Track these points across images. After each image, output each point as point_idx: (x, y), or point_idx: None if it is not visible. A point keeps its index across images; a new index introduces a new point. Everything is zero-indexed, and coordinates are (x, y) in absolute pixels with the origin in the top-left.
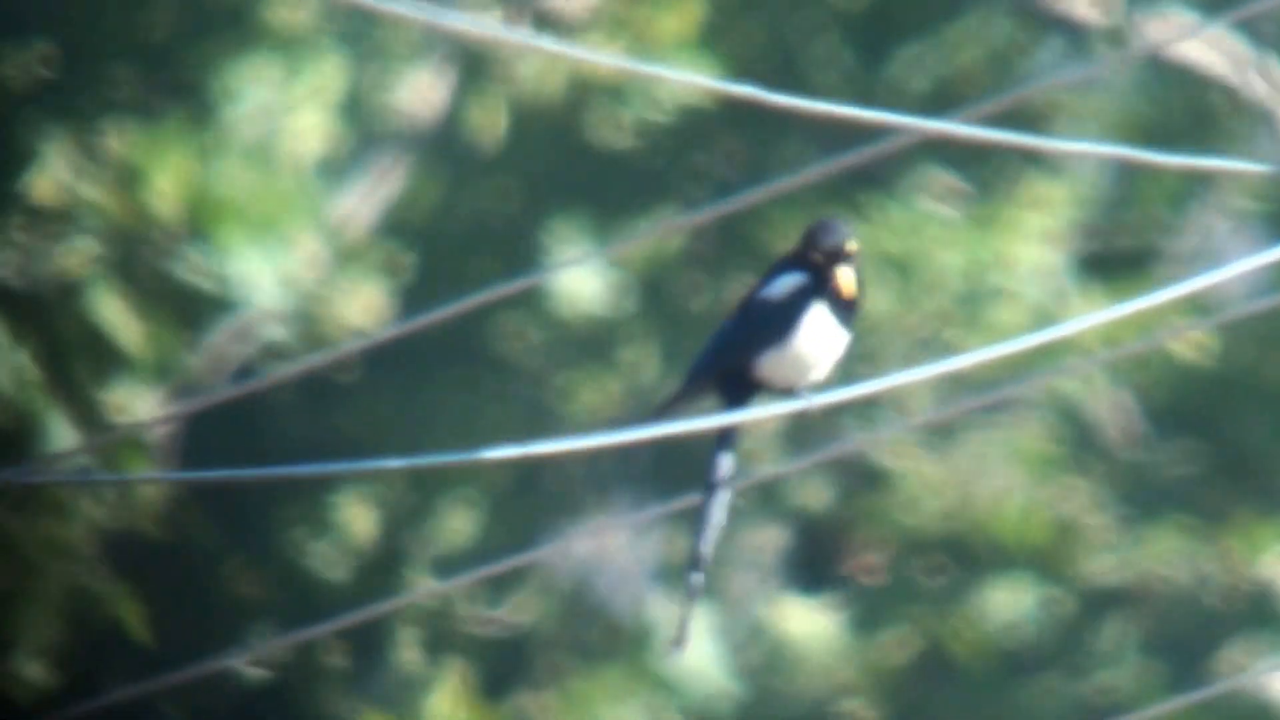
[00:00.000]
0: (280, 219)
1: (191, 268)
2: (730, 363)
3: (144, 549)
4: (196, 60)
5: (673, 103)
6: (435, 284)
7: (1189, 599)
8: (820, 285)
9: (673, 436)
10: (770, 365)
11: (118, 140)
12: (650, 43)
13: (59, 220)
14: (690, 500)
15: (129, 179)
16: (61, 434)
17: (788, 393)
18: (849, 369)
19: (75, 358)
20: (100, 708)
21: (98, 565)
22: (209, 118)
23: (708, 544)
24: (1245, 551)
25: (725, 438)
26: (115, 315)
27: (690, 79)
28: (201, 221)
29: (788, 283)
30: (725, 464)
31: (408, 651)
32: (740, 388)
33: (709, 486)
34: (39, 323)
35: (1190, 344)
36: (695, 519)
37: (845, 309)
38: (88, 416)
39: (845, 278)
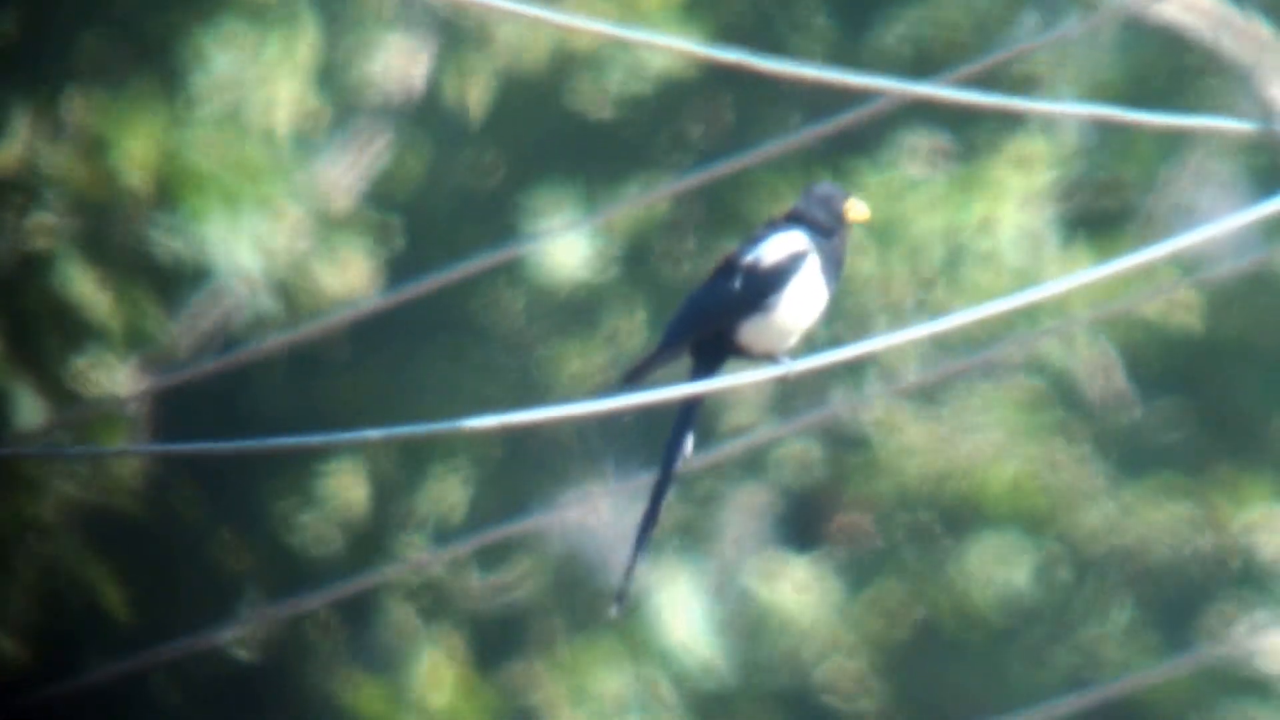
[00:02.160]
0: (252, 188)
1: (162, 238)
2: (713, 327)
3: (125, 525)
4: (165, 26)
5: (655, 71)
6: (420, 255)
7: (1178, 560)
8: (823, 247)
9: (653, 403)
10: (754, 331)
11: (84, 109)
12: (631, 12)
13: (24, 191)
14: (679, 468)
15: (95, 148)
16: (29, 409)
17: (765, 358)
18: (833, 333)
19: (43, 331)
20: (90, 685)
21: (74, 541)
22: (178, 85)
23: (660, 508)
24: (1232, 511)
25: (691, 403)
26: (84, 287)
27: (680, 44)
28: (171, 191)
29: (783, 248)
30: (688, 429)
31: (398, 623)
32: (715, 353)
33: (670, 452)
34: (5, 296)
35: (1175, 304)
36: (654, 482)
37: (835, 274)
38: (56, 391)
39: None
